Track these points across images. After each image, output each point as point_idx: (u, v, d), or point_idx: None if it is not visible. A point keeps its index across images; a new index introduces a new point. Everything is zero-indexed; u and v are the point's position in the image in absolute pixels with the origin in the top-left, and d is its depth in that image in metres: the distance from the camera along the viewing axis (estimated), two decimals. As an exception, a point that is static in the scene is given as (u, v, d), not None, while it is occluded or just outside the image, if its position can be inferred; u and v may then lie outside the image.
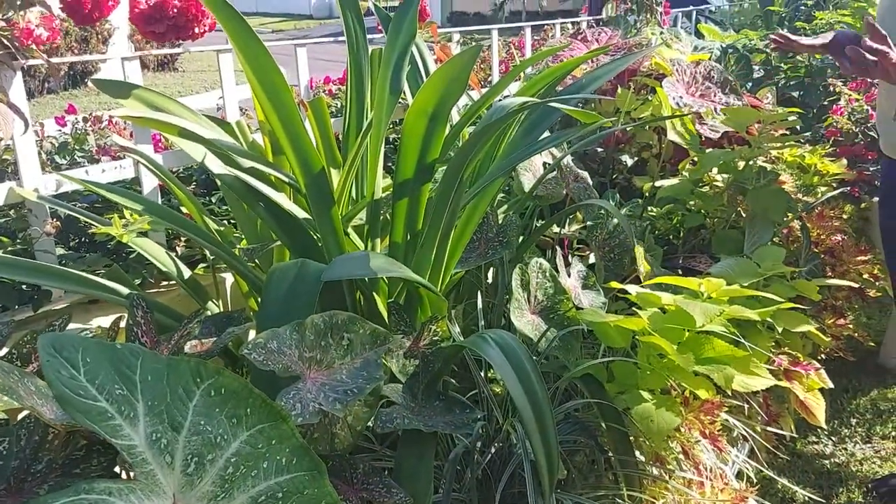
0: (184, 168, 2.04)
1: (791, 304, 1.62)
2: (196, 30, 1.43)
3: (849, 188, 2.64)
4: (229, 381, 0.83)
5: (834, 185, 2.57)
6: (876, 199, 2.59)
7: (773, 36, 1.80)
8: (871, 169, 2.67)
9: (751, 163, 2.33)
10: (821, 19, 3.30)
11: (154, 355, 0.80)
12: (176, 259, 1.57)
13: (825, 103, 3.06)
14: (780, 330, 1.76)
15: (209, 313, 1.43)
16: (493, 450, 1.43)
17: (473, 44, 4.01)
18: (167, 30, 1.41)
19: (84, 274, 1.33)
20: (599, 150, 2.72)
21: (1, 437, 0.86)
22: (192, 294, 1.54)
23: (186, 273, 1.57)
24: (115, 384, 0.75)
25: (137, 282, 1.67)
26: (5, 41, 1.24)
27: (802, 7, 3.48)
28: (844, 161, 2.60)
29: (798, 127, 2.72)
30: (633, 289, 1.67)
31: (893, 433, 2.44)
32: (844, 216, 2.62)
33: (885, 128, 1.98)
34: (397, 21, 1.48)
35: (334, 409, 1.04)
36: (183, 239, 1.79)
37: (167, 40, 1.43)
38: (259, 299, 1.60)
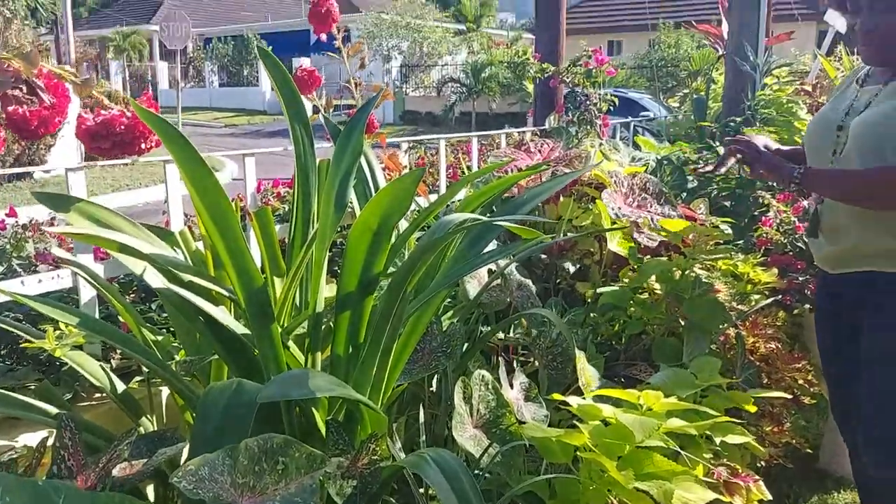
0: (125, 274, 2.02)
1: (726, 418, 1.65)
2: (143, 146, 1.45)
3: (781, 296, 2.74)
4: (154, 519, 0.80)
5: (766, 293, 2.66)
6: (808, 306, 2.70)
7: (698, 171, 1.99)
8: (801, 278, 2.79)
9: (687, 272, 2.41)
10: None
11: (76, 492, 0.78)
12: (110, 372, 1.53)
13: (755, 213, 3.21)
14: (718, 441, 1.78)
15: (142, 430, 1.39)
16: (433, 573, 1.39)
17: (421, 150, 4.13)
18: (113, 146, 1.43)
19: (9, 394, 1.28)
20: (543, 256, 2.78)
21: None
22: (124, 409, 1.49)
23: (120, 387, 1.53)
24: (32, 527, 0.72)
25: (68, 396, 1.62)
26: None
27: (731, 123, 3.70)
28: (776, 270, 2.71)
29: (731, 237, 2.84)
30: (574, 401, 1.69)
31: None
32: (778, 323, 2.71)
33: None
34: (343, 141, 1.53)
35: (266, 540, 1.00)
36: (118, 350, 1.75)
37: (113, 156, 1.45)
38: (194, 416, 1.56)
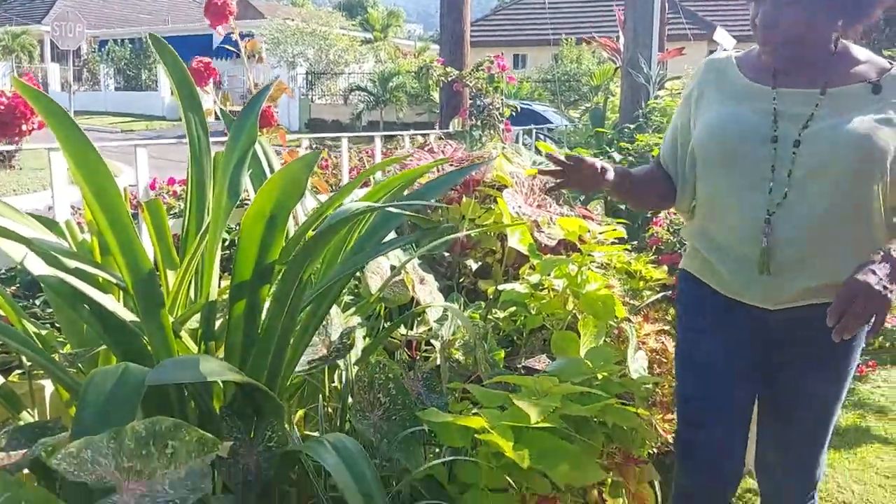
0: (7, 269, 1.92)
1: (618, 401, 1.72)
2: (24, 127, 1.39)
3: (670, 292, 2.87)
4: (29, 494, 0.77)
5: (657, 288, 2.79)
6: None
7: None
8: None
9: (583, 269, 2.50)
10: (640, 141, 3.68)
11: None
12: (-14, 366, 1.44)
13: (648, 215, 3.36)
14: (610, 425, 1.85)
15: (21, 423, 1.32)
16: (330, 560, 1.38)
17: (324, 152, 4.10)
18: (-10, 127, 1.36)
19: None
20: (446, 254, 2.82)
21: None
22: (3, 404, 1.42)
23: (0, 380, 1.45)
24: None
25: (-61, 392, 1.52)
26: None
27: (626, 130, 3.86)
28: (665, 267, 2.85)
29: (625, 236, 2.96)
30: (474, 388, 1.72)
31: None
32: (668, 318, 2.84)
33: None
34: (238, 126, 1.51)
35: (153, 523, 0.98)
36: (-3, 344, 1.66)
37: (-10, 137, 1.38)
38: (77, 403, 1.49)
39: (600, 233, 2.52)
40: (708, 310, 1.70)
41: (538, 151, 4.14)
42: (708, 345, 1.70)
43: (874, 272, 1.39)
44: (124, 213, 1.27)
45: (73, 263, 1.32)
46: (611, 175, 1.66)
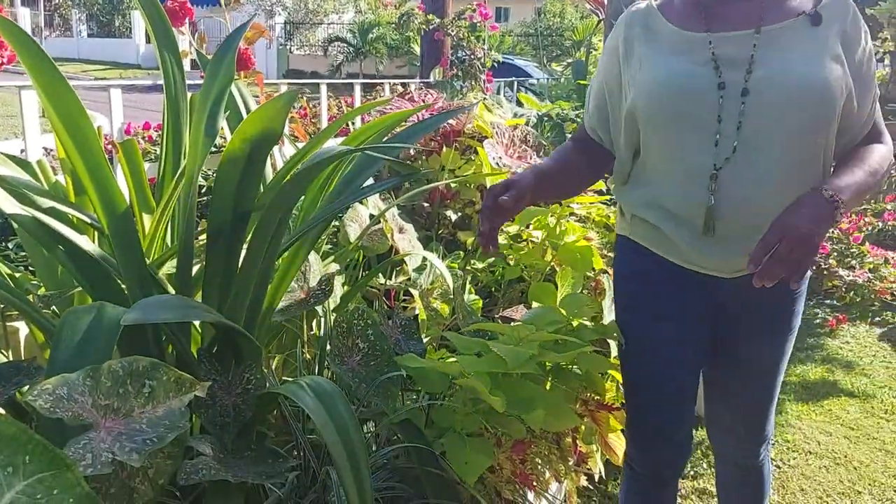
0: (-24, 211, 1.88)
1: (592, 348, 1.74)
2: (-7, 61, 1.35)
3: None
4: (3, 427, 0.77)
5: (635, 242, 2.81)
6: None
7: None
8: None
9: (562, 220, 2.51)
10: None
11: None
12: (-42, 307, 1.43)
13: (628, 169, 3.37)
14: (584, 372, 1.88)
15: (-6, 365, 1.31)
16: (307, 501, 1.40)
17: (303, 100, 4.04)
18: (-43, 59, 1.31)
19: None
20: (426, 205, 2.81)
21: None
22: (-25, 345, 1.41)
23: (-30, 322, 1.43)
24: None
25: None
26: None
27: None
28: (644, 221, 2.86)
29: (604, 189, 2.97)
30: (452, 335, 1.73)
31: (692, 473, 2.65)
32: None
33: None
34: (215, 64, 1.47)
35: (130, 460, 0.98)
36: (-32, 285, 1.63)
37: (-43, 70, 1.33)
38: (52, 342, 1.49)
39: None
40: (656, 285, 1.56)
41: (519, 104, 4.11)
42: (657, 330, 1.57)
43: (802, 212, 1.22)
44: (99, 150, 1.24)
45: (46, 203, 1.30)
46: (528, 196, 1.48)
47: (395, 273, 2.41)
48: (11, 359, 1.49)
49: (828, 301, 4.59)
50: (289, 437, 1.61)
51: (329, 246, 2.40)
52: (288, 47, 23.59)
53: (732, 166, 1.36)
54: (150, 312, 1.12)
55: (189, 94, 1.74)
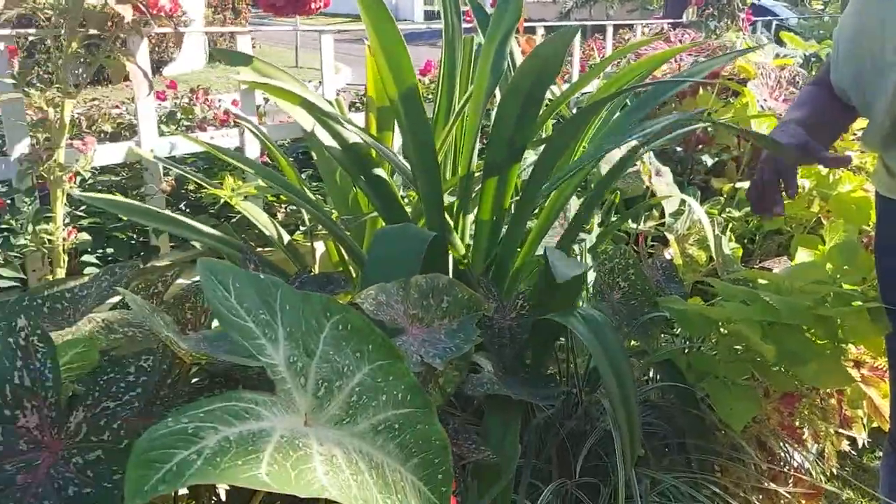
0: (292, 139, 2.13)
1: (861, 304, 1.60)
2: (313, 5, 1.51)
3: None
4: (354, 319, 0.89)
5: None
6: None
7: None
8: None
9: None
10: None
11: (291, 288, 0.87)
12: (277, 224, 1.65)
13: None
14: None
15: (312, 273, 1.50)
16: (572, 424, 1.46)
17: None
18: (286, 4, 1.49)
19: (205, 228, 1.41)
20: (678, 149, 2.72)
21: (145, 357, 0.93)
22: (291, 258, 1.62)
23: (286, 238, 1.65)
24: (259, 309, 0.82)
25: (237, 245, 1.76)
26: (140, 6, 1.33)
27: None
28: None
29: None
30: (715, 282, 1.69)
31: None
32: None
33: None
34: (500, 8, 1.53)
35: (434, 363, 1.09)
36: (282, 207, 1.88)
37: (285, 14, 1.51)
38: (352, 267, 1.67)
39: (860, 129, 2.30)
40: None
41: (780, 43, 3.80)
42: None
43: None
44: (416, 86, 1.35)
45: (354, 137, 1.45)
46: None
47: (644, 218, 2.38)
48: (316, 270, 1.70)
49: None
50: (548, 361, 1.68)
51: (578, 189, 2.42)
52: (518, -6, 23.54)
53: None
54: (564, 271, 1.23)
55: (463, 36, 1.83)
